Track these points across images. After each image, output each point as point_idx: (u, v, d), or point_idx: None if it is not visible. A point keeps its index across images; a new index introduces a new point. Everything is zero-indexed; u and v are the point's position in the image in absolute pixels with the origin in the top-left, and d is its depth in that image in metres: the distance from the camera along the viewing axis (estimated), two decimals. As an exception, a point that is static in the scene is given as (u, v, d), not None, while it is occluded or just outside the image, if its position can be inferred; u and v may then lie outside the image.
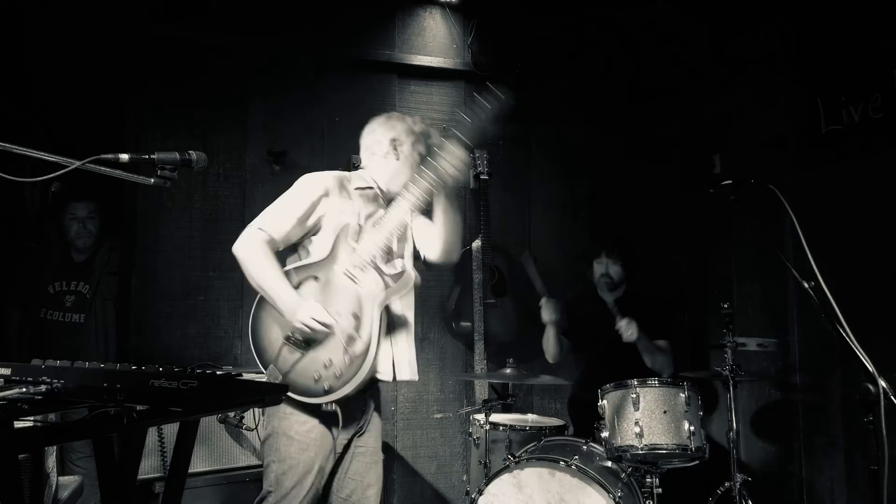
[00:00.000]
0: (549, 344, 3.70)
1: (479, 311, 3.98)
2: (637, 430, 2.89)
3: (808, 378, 3.35)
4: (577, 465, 2.79)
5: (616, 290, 3.74)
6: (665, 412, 2.92)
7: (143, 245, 3.79)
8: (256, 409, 3.10)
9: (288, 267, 2.33)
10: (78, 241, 3.56)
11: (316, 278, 2.30)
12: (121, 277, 3.72)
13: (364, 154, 2.56)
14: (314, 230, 2.38)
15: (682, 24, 4.10)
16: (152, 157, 1.85)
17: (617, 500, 2.71)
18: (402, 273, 2.33)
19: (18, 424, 1.29)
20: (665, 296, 4.12)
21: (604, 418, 3.05)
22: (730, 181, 2.43)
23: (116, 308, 3.60)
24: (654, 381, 3.01)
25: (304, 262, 2.34)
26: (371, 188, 2.49)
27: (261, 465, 3.11)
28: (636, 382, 3.00)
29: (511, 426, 3.25)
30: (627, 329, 3.38)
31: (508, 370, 3.18)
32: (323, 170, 3.78)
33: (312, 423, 2.28)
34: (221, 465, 3.25)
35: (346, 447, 2.40)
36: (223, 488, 3.21)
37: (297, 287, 2.27)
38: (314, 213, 2.35)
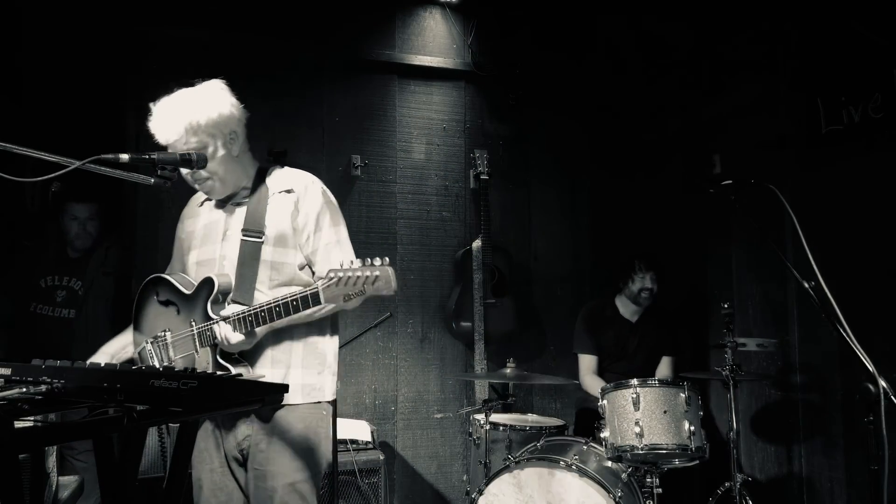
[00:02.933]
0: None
1: (479, 311, 3.98)
2: (637, 430, 2.89)
3: (808, 378, 3.35)
4: (577, 465, 2.79)
5: (628, 314, 3.83)
6: (665, 412, 2.92)
7: (143, 245, 3.79)
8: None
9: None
10: (77, 241, 3.56)
11: None
12: (121, 278, 3.72)
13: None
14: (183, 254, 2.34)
15: (682, 23, 4.10)
16: (152, 157, 1.86)
17: (617, 500, 2.71)
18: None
19: (18, 424, 1.28)
20: (676, 304, 4.13)
21: (604, 418, 3.05)
22: (730, 181, 2.43)
23: (108, 310, 3.56)
24: (654, 381, 3.01)
25: None
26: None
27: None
28: (636, 382, 3.00)
29: (511, 426, 3.24)
30: None
31: (508, 370, 3.18)
32: (322, 170, 3.83)
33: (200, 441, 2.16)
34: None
35: (247, 469, 2.11)
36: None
37: None
38: (177, 241, 2.36)
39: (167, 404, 1.35)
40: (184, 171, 2.06)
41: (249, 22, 3.95)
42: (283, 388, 1.52)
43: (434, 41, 4.37)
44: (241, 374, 1.97)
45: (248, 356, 2.08)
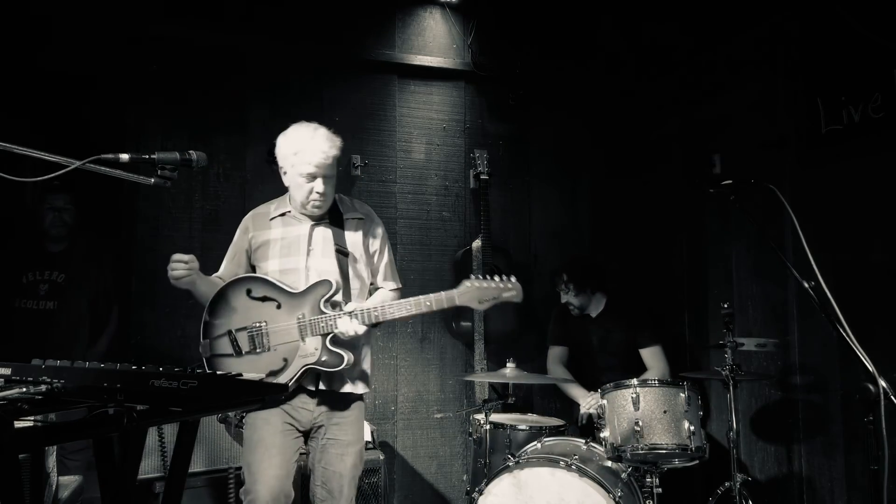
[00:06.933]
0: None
1: (479, 311, 3.98)
2: (637, 429, 2.90)
3: (808, 378, 3.35)
4: (577, 465, 2.79)
5: (588, 310, 3.79)
6: (665, 412, 2.92)
7: (142, 245, 3.80)
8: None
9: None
10: (52, 230, 3.53)
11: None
12: (121, 277, 3.72)
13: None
14: (254, 262, 2.64)
15: (682, 23, 4.10)
16: (152, 157, 1.85)
17: (617, 499, 2.71)
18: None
19: (18, 424, 1.29)
20: (655, 299, 4.12)
21: (604, 418, 3.05)
22: (730, 181, 2.44)
23: (90, 297, 3.58)
24: (654, 381, 3.01)
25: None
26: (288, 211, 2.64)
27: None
28: (636, 382, 3.00)
29: (511, 426, 3.24)
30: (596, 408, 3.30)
31: (508, 370, 3.18)
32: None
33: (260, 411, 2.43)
34: (221, 466, 3.25)
35: (314, 438, 2.54)
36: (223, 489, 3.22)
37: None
38: (240, 250, 2.67)
39: (167, 404, 1.35)
40: (321, 187, 2.48)
41: (250, 22, 3.95)
42: (283, 388, 1.53)
43: (434, 41, 4.37)
44: (343, 362, 2.42)
45: (347, 345, 2.45)
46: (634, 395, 2.94)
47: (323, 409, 2.51)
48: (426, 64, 4.32)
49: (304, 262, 2.52)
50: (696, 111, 4.07)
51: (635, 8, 4.35)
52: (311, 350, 2.40)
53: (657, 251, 4.30)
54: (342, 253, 2.54)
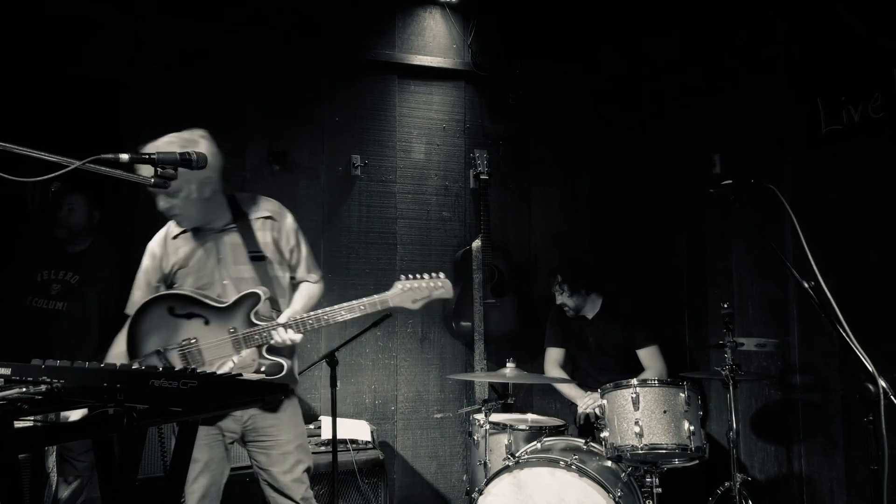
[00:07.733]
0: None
1: (479, 311, 3.98)
2: (637, 429, 2.90)
3: (808, 378, 3.35)
4: (577, 465, 2.79)
5: (584, 311, 3.79)
6: (665, 412, 2.92)
7: (143, 245, 3.78)
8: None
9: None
10: (58, 230, 3.52)
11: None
12: (121, 277, 3.71)
13: None
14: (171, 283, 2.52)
15: (682, 23, 4.10)
16: (152, 157, 1.85)
17: (617, 499, 2.71)
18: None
19: (18, 424, 1.29)
20: (656, 300, 4.12)
21: (604, 418, 3.05)
22: (730, 181, 2.43)
23: (100, 299, 3.54)
24: (654, 382, 3.01)
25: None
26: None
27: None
28: (636, 382, 3.00)
29: (511, 426, 3.24)
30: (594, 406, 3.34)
31: (508, 370, 3.18)
32: (322, 170, 3.86)
33: None
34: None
35: (253, 443, 2.48)
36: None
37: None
38: (152, 278, 2.54)
39: (167, 404, 1.35)
40: (160, 203, 2.36)
41: (250, 22, 3.95)
42: (283, 388, 1.53)
43: (434, 41, 4.37)
44: (282, 366, 2.36)
45: (283, 352, 2.40)
46: (634, 395, 2.94)
47: (252, 412, 2.44)
48: (426, 64, 4.32)
49: (217, 274, 2.44)
50: (696, 111, 4.07)
51: (635, 7, 4.35)
52: (249, 362, 2.35)
53: (657, 251, 4.30)
54: (258, 258, 2.45)
